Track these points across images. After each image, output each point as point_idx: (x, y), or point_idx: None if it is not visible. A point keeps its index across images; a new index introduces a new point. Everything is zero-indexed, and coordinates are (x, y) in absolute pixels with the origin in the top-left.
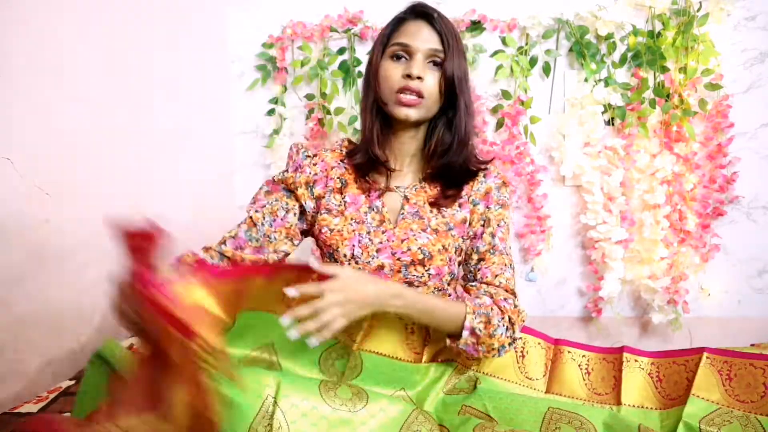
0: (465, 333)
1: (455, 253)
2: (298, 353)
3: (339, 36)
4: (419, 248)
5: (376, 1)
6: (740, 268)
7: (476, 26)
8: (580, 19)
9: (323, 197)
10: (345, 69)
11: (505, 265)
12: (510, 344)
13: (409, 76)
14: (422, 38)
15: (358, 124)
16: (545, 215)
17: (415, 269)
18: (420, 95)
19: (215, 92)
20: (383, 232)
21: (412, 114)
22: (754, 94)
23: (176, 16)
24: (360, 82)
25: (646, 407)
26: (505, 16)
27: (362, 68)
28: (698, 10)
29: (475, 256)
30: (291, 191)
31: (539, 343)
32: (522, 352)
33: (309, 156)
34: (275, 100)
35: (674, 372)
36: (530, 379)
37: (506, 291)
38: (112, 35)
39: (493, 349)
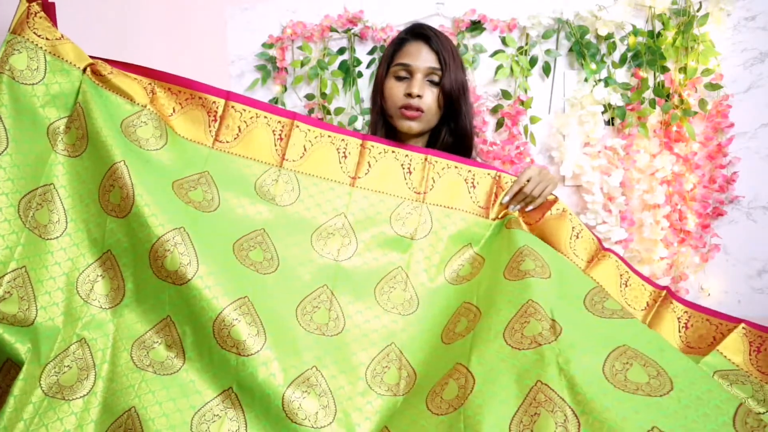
0: None
1: None
2: (233, 182)
3: (339, 36)
4: None
5: (376, 1)
6: (740, 268)
7: (476, 26)
8: (580, 19)
9: None
10: (345, 69)
11: None
12: None
13: (409, 95)
14: (421, 58)
15: (358, 124)
16: None
17: None
18: (420, 110)
19: None
20: None
21: (414, 126)
22: (754, 94)
23: (176, 16)
24: (360, 82)
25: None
26: (505, 16)
27: (362, 68)
28: (698, 10)
29: None
30: None
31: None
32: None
33: None
34: (275, 100)
35: (703, 327)
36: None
37: None
38: (111, 35)
39: None
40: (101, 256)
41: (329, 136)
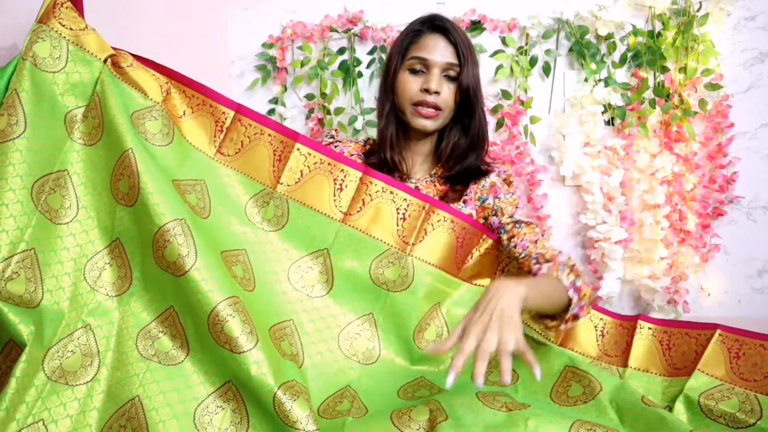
0: (571, 292)
1: None
2: (225, 200)
3: (339, 36)
4: None
5: (376, 1)
6: (740, 268)
7: (476, 26)
8: (580, 19)
9: None
10: (345, 69)
11: (536, 233)
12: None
13: (426, 91)
14: (439, 52)
15: (358, 124)
16: (545, 215)
17: None
18: (437, 108)
19: None
20: None
21: (429, 125)
22: (754, 94)
23: (176, 16)
24: (360, 82)
25: (651, 372)
26: (505, 16)
27: (362, 68)
28: (698, 10)
29: (505, 240)
30: None
31: None
32: None
33: (332, 137)
34: (275, 100)
35: (684, 343)
36: (548, 329)
37: (551, 250)
38: (111, 36)
39: (592, 297)
40: (110, 244)
41: (329, 164)
